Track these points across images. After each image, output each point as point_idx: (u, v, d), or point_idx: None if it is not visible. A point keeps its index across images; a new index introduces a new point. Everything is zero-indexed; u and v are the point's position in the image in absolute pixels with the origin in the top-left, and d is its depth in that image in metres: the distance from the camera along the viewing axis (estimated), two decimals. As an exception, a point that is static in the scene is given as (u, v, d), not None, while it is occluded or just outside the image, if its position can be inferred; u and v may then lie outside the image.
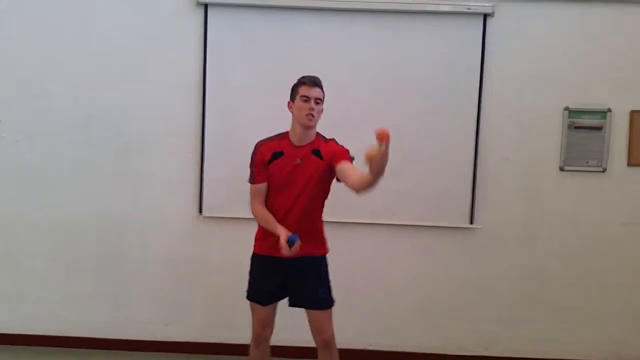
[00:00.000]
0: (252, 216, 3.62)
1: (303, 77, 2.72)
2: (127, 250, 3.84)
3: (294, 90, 2.73)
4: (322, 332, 2.77)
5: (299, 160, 2.72)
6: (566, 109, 3.70)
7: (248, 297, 2.88)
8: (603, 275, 3.76)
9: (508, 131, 3.72)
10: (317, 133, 2.79)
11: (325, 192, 2.82)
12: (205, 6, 3.67)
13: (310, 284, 2.77)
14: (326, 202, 2.87)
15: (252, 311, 2.88)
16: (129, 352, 3.82)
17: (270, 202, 2.81)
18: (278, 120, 3.53)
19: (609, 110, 3.69)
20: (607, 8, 3.65)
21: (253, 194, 2.83)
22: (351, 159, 2.67)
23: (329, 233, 2.93)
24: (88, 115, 3.77)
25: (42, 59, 3.76)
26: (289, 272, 2.77)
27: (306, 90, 2.67)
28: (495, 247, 3.76)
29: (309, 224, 2.76)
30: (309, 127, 2.70)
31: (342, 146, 2.75)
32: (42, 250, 3.85)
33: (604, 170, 3.72)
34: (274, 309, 2.89)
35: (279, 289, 2.82)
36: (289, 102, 2.76)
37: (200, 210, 3.77)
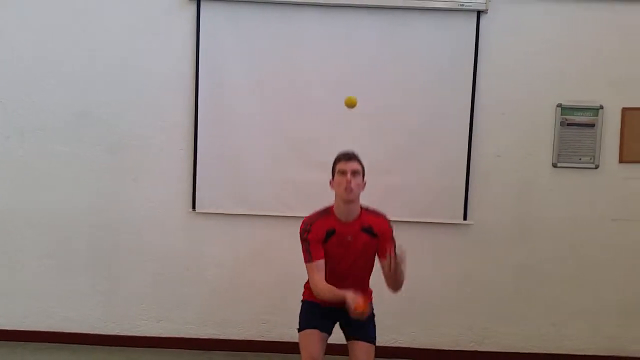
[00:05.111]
0: (245, 212, 3.70)
1: (339, 154, 2.73)
2: (120, 246, 3.83)
3: (333, 168, 2.72)
4: None
5: (349, 237, 2.70)
6: (559, 105, 3.71)
7: (300, 330, 2.80)
8: (595, 271, 3.78)
9: (501, 128, 3.73)
10: (361, 206, 2.75)
11: (374, 263, 2.80)
12: (198, 2, 3.66)
13: (363, 322, 2.67)
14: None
15: (302, 346, 2.75)
16: (122, 348, 3.81)
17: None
18: (271, 116, 3.60)
19: (601, 107, 3.70)
20: (600, 5, 3.66)
21: (313, 271, 2.70)
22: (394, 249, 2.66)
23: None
24: (80, 112, 3.76)
25: (34, 56, 3.74)
26: (341, 317, 2.75)
27: (342, 165, 2.66)
28: (488, 243, 3.78)
29: (359, 289, 2.66)
30: (349, 202, 2.67)
31: (391, 228, 2.76)
32: (34, 246, 3.84)
33: (597, 167, 3.73)
34: (324, 344, 2.77)
35: (331, 324, 2.81)
36: (330, 181, 2.74)
37: (194, 206, 3.77)
